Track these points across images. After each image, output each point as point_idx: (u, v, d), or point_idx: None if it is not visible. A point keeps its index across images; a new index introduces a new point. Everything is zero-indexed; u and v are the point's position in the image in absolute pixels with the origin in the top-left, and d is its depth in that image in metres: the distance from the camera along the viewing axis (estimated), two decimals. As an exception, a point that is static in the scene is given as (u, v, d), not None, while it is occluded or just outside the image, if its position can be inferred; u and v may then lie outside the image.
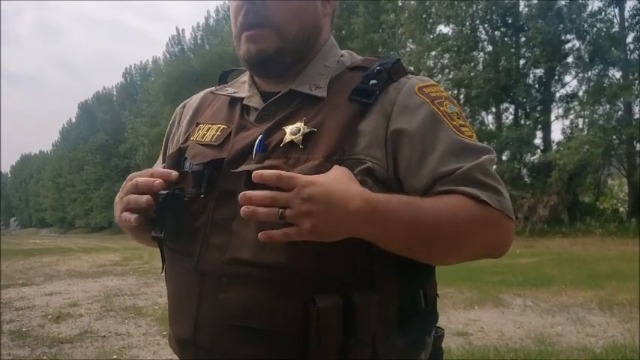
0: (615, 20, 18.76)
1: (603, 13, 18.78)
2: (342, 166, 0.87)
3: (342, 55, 1.07)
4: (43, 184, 73.98)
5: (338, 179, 0.84)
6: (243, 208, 0.84)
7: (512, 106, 21.74)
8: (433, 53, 21.48)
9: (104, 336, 5.21)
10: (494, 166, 0.96)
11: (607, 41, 18.06)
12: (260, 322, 0.87)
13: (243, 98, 1.05)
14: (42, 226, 73.07)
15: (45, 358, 4.55)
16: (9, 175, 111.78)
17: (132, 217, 0.93)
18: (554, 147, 19.90)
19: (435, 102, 0.97)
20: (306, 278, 0.87)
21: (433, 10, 20.98)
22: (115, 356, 4.57)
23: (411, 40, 22.60)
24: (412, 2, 21.69)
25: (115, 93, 61.63)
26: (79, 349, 4.78)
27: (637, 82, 17.49)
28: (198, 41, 45.28)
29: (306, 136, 0.92)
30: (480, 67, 20.94)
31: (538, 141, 21.06)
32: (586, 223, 16.47)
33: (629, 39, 18.65)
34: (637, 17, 18.40)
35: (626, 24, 18.59)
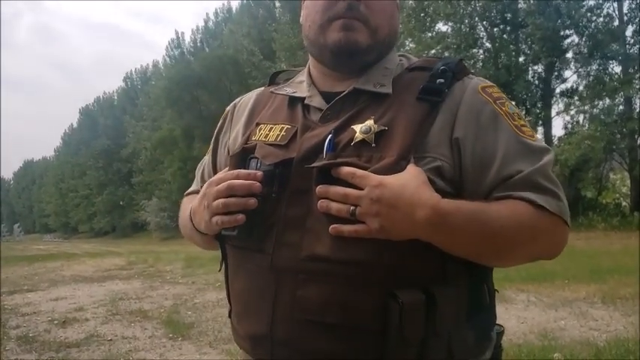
0: (614, 14, 18.75)
1: (602, 8, 18.79)
2: (417, 167, 0.89)
3: (400, 60, 1.10)
4: (45, 190, 74.10)
5: (409, 182, 0.86)
6: (319, 201, 0.90)
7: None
8: (432, 51, 21.47)
9: (110, 340, 5.24)
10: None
11: (606, 36, 18.02)
12: (338, 317, 0.88)
13: (303, 98, 1.06)
14: (45, 232, 73.17)
15: (52, 362, 4.59)
16: (12, 181, 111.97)
17: (237, 217, 0.94)
18: (556, 142, 19.89)
19: (497, 102, 1.00)
20: (384, 273, 0.88)
21: (431, 8, 20.97)
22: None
23: (410, 39, 22.57)
24: (410, 1, 21.68)
25: (115, 97, 61.83)
26: (86, 353, 4.81)
27: (637, 76, 17.44)
28: (198, 44, 45.35)
29: (377, 134, 0.93)
30: (480, 64, 20.92)
31: (539, 137, 20.97)
32: (588, 218, 16.44)
33: (629, 33, 18.63)
34: (636, 11, 18.37)
35: (625, 18, 18.56)
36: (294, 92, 1.09)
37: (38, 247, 30.06)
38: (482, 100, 0.98)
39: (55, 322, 6.12)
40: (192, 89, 31.94)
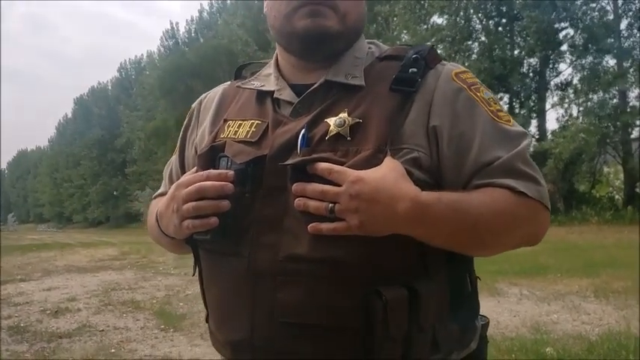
0: (609, 8, 18.74)
1: (597, 2, 18.76)
2: (394, 159, 0.87)
3: (369, 47, 1.07)
4: (40, 180, 73.86)
5: (388, 176, 0.84)
6: (296, 200, 0.86)
7: (507, 96, 21.69)
8: (427, 44, 21.41)
9: (102, 330, 5.24)
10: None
11: (601, 29, 18.01)
12: (320, 318, 0.86)
13: (272, 92, 1.02)
14: (40, 222, 72.93)
15: (44, 353, 4.57)
16: (6, 171, 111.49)
17: (210, 220, 0.90)
18: (550, 136, 19.91)
19: (472, 88, 0.97)
20: (365, 271, 0.86)
21: (427, 1, 20.90)
22: (113, 350, 4.60)
23: (405, 31, 22.51)
24: (406, -7, 21.58)
25: (110, 88, 61.50)
26: (78, 343, 4.81)
27: (631, 69, 17.47)
28: (193, 35, 45.16)
29: (352, 127, 0.90)
30: (475, 56, 20.89)
31: (533, 130, 21.08)
32: (582, 212, 16.50)
33: (623, 26, 18.63)
34: (630, 4, 18.37)
35: (620, 11, 18.55)
36: (262, 86, 1.05)
37: (32, 236, 29.88)
38: (456, 87, 0.96)
39: (48, 312, 6.11)
40: (186, 79, 31.74)
